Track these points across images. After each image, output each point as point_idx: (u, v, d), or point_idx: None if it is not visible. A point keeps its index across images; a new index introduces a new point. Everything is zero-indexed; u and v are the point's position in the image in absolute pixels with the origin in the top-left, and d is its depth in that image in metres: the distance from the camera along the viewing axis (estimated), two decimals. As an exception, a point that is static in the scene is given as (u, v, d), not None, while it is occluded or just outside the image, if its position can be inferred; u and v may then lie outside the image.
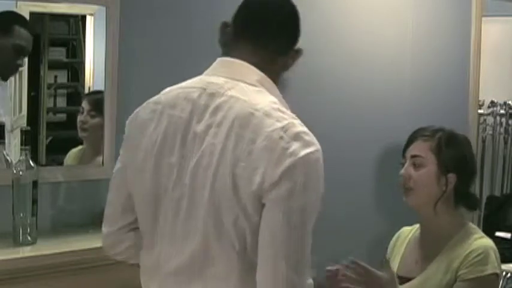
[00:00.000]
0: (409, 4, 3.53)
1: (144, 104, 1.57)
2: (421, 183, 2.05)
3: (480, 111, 4.43)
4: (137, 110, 1.58)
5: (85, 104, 2.64)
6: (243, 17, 1.57)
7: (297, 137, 1.37)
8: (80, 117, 2.62)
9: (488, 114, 4.75)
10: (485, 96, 4.52)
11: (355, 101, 3.36)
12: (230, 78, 1.48)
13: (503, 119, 4.77)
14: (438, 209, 2.05)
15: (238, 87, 1.46)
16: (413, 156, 2.07)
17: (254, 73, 1.49)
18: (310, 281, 1.42)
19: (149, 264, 1.55)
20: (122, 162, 1.60)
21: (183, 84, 1.54)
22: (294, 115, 1.44)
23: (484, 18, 3.83)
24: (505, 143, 4.80)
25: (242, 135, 1.37)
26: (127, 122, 1.60)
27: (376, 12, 3.42)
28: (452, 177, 2.05)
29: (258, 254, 1.38)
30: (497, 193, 4.74)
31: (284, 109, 1.45)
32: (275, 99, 1.47)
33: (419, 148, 2.08)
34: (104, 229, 1.67)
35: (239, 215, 1.37)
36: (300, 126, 1.40)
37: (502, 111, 4.76)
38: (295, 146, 1.36)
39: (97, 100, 2.62)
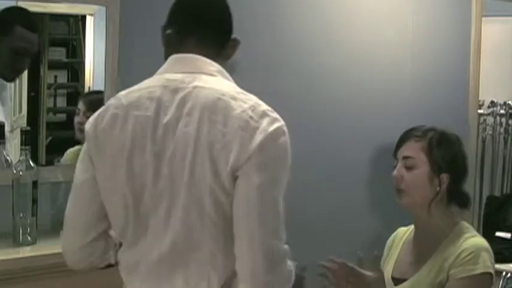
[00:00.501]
0: (409, 4, 3.53)
1: (100, 111, 1.59)
2: (414, 185, 2.04)
3: (480, 111, 4.43)
4: (94, 119, 1.59)
5: (81, 105, 2.64)
6: (178, 18, 1.66)
7: (264, 114, 1.47)
8: (76, 119, 2.62)
9: (488, 114, 4.75)
10: (485, 96, 4.52)
11: (355, 101, 3.36)
12: (188, 73, 1.54)
13: (503, 119, 4.77)
14: (432, 209, 2.04)
15: (200, 78, 1.52)
16: (405, 158, 2.06)
17: (210, 64, 1.56)
18: (287, 246, 1.48)
19: (132, 261, 1.58)
20: (88, 172, 1.60)
21: (141, 85, 1.57)
22: (255, 97, 1.52)
23: (484, 18, 3.82)
24: (505, 143, 4.80)
25: (214, 120, 1.45)
26: (87, 130, 1.59)
27: (376, 12, 3.42)
28: (445, 177, 2.04)
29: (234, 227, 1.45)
30: (497, 193, 4.74)
31: (246, 92, 1.53)
32: (234, 84, 1.56)
33: (411, 149, 2.06)
34: (73, 244, 1.66)
35: (218, 194, 1.44)
36: (264, 106, 1.50)
37: (502, 111, 4.76)
38: (264, 123, 1.45)
39: (93, 101, 2.61)
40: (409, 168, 2.04)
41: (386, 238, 2.31)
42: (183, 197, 1.46)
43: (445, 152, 2.06)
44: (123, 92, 1.59)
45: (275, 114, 1.49)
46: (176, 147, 1.47)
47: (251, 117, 1.45)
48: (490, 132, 4.77)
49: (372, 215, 3.41)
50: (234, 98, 1.47)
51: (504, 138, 4.80)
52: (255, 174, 1.42)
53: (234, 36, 1.65)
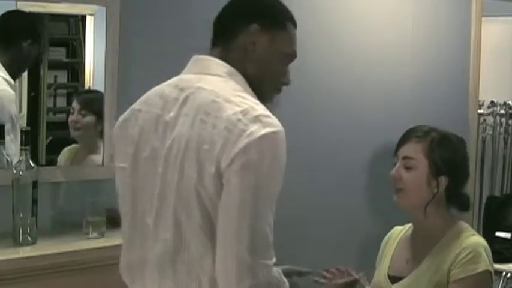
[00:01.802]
0: (409, 4, 3.53)
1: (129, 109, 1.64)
2: (411, 185, 2.02)
3: (480, 111, 4.44)
4: (120, 117, 1.64)
5: (75, 104, 2.65)
6: None
7: (256, 119, 1.40)
8: (71, 117, 2.63)
9: (488, 114, 4.75)
10: (485, 96, 4.53)
11: (355, 101, 3.36)
12: (199, 73, 1.55)
13: (503, 119, 4.78)
14: (428, 211, 2.03)
15: (206, 79, 1.52)
16: (405, 158, 2.04)
17: (221, 65, 1.55)
18: (271, 262, 1.41)
19: (131, 263, 1.60)
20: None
21: (162, 84, 1.60)
22: (257, 101, 1.47)
23: (484, 18, 3.83)
24: (505, 143, 4.81)
25: (206, 121, 1.43)
26: (113, 130, 1.65)
27: (376, 12, 3.42)
28: (443, 179, 2.03)
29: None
30: (497, 193, 4.74)
31: (247, 95, 1.48)
32: (240, 89, 1.50)
33: (412, 149, 2.04)
34: None
35: (203, 198, 1.41)
36: (260, 110, 1.43)
37: (502, 111, 4.76)
38: (253, 127, 1.38)
39: (87, 99, 2.64)
40: (408, 168, 2.03)
41: (381, 238, 2.30)
42: (174, 196, 1.46)
43: (445, 154, 2.03)
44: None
45: (270, 120, 1.42)
46: (171, 147, 1.47)
47: (239, 119, 1.40)
48: (490, 132, 4.78)
49: (372, 216, 3.41)
50: (229, 101, 1.44)
51: (504, 138, 4.80)
52: (237, 183, 1.37)
53: (255, 26, 1.55)
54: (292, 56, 1.63)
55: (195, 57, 1.60)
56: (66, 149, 2.65)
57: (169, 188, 1.47)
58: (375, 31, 3.41)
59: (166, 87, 1.56)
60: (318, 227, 3.22)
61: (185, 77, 1.56)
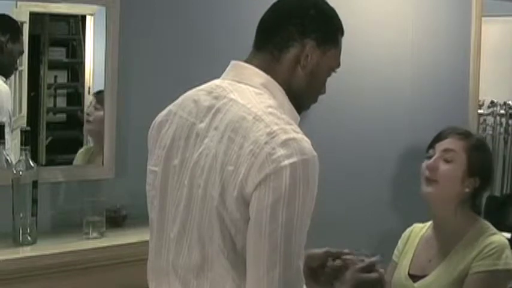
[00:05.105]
0: (409, 4, 3.53)
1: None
2: (447, 177, 2.05)
3: (480, 111, 4.43)
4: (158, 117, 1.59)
5: (92, 98, 2.67)
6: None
7: (284, 144, 1.32)
8: (86, 110, 2.65)
9: (488, 114, 4.75)
10: (485, 96, 4.52)
11: (355, 101, 3.36)
12: (235, 81, 1.47)
13: (503, 119, 4.77)
14: (458, 208, 2.06)
15: (240, 89, 1.44)
16: (445, 150, 2.07)
17: (258, 76, 1.47)
18: None
19: (157, 269, 1.54)
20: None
21: (199, 86, 1.54)
22: (290, 121, 1.40)
23: (484, 18, 3.83)
24: (505, 143, 4.80)
25: (233, 139, 1.36)
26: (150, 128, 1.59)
27: (376, 12, 3.42)
28: (476, 181, 2.07)
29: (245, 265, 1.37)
30: (497, 193, 4.73)
31: (280, 114, 1.40)
32: (274, 103, 1.43)
33: (454, 144, 2.08)
34: None
35: (226, 221, 1.35)
36: (291, 133, 1.35)
37: (502, 111, 4.75)
38: (280, 153, 1.31)
39: (103, 96, 2.65)
40: (447, 161, 2.06)
41: (397, 236, 2.29)
42: (198, 213, 1.40)
43: (483, 159, 2.10)
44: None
45: (299, 145, 1.33)
46: (198, 161, 1.41)
47: (267, 143, 1.31)
48: (490, 132, 4.77)
49: (376, 214, 3.41)
50: (259, 120, 1.35)
51: (504, 138, 4.79)
52: (265, 215, 1.30)
53: (311, 42, 1.50)
54: (337, 67, 1.62)
55: (233, 62, 1.52)
56: (81, 151, 2.66)
57: (195, 204, 1.41)
58: (375, 31, 3.41)
59: (201, 92, 1.49)
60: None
61: (220, 84, 1.48)
